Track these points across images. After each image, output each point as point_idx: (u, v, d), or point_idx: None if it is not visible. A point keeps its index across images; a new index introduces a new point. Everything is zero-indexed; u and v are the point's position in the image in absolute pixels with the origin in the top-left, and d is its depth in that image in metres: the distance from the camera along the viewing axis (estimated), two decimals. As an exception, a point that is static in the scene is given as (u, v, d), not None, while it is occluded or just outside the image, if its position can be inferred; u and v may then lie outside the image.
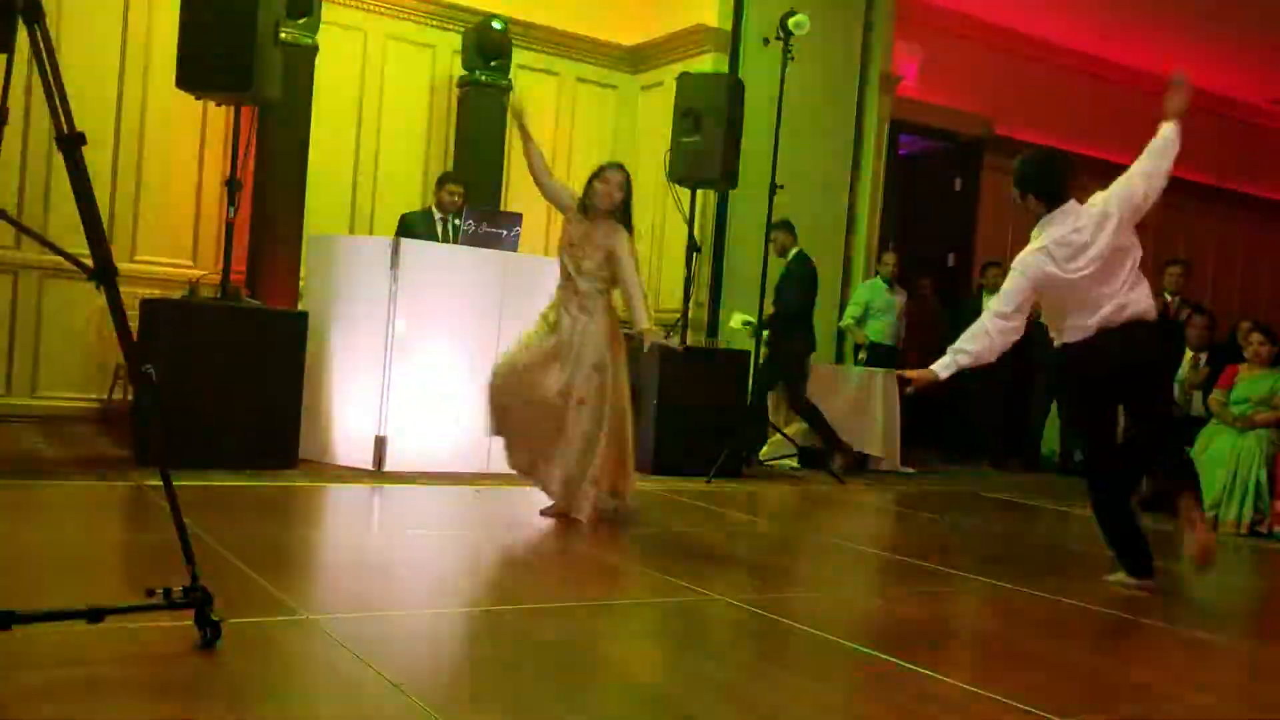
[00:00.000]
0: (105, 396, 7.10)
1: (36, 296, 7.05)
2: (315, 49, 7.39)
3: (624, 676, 2.83)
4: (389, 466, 5.94)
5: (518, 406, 4.86)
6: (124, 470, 5.25)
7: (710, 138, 7.08)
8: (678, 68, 8.25)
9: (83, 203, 2.61)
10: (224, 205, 5.83)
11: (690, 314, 7.57)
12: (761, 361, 7.62)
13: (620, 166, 5.01)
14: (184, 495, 4.73)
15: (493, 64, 8.28)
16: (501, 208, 7.96)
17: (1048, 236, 4.29)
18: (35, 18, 2.47)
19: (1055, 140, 11.34)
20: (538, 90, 8.86)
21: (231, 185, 5.70)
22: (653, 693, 2.69)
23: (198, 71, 5.51)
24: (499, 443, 5.10)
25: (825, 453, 7.65)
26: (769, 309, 7.51)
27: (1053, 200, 4.30)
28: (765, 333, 7.53)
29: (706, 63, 8.44)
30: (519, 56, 8.56)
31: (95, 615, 2.54)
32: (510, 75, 8.40)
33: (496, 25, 8.22)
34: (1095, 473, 4.31)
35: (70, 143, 2.59)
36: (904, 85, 9.94)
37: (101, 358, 7.10)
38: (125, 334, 2.70)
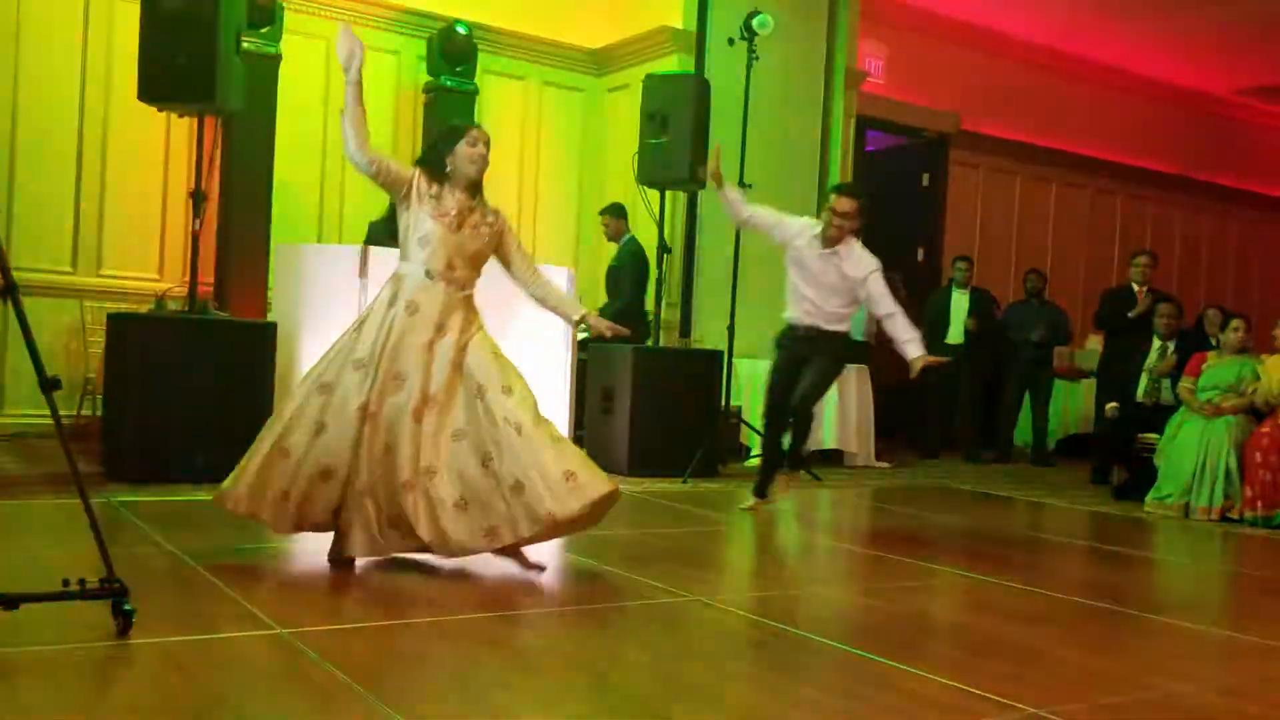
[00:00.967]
0: (74, 413, 7.03)
1: (2, 313, 6.98)
2: (278, 58, 7.35)
3: (603, 680, 2.82)
4: (363, 476, 5.89)
5: None
6: (93, 486, 5.19)
7: (678, 139, 7.08)
8: (643, 69, 8.24)
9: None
10: (190, 217, 5.79)
11: (663, 315, 7.58)
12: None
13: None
14: (155, 510, 4.71)
15: (458, 69, 8.26)
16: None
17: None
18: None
19: (1022, 135, 11.46)
20: (504, 95, 8.85)
21: (196, 197, 5.66)
22: (632, 696, 2.69)
23: (159, 84, 5.47)
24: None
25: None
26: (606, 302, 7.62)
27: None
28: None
29: (672, 64, 8.45)
30: (484, 61, 8.55)
31: (10, 603, 2.62)
32: (476, 80, 8.38)
33: (461, 30, 8.20)
34: None
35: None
36: (870, 82, 9.98)
37: (69, 374, 7.03)
38: (33, 348, 2.78)
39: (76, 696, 2.44)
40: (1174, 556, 5.70)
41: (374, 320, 3.84)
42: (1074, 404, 10.44)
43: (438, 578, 3.85)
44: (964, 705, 2.65)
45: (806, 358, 5.41)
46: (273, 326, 5.90)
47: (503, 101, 8.86)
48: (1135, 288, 8.76)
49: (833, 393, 8.12)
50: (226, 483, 3.74)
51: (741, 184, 7.33)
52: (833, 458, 8.12)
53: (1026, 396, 9.61)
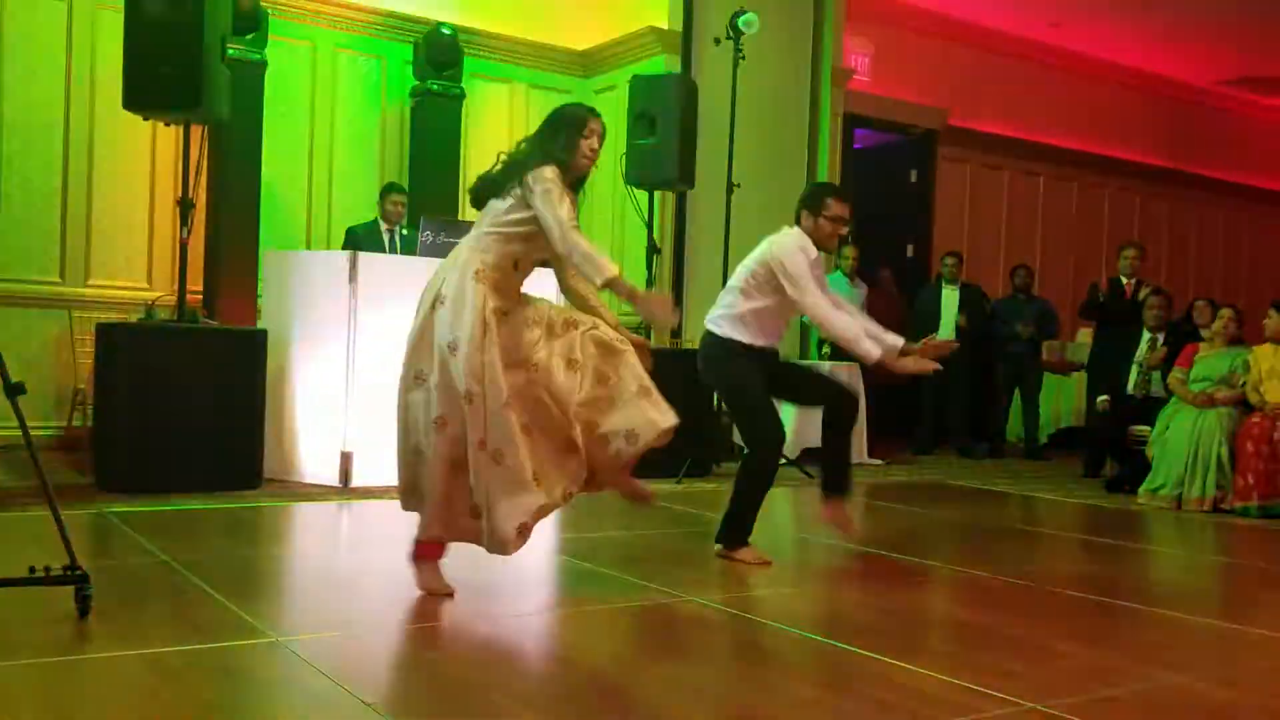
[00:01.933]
0: (65, 423, 7.01)
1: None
2: (264, 64, 7.33)
3: (598, 682, 2.81)
4: (356, 482, 5.89)
5: None
6: (85, 497, 5.18)
7: (665, 139, 7.08)
8: (630, 70, 8.25)
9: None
10: (177, 226, 5.77)
11: (653, 315, 7.57)
12: None
13: None
14: (147, 520, 4.69)
15: (444, 73, 8.25)
16: (459, 217, 7.92)
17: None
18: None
19: (1009, 130, 11.48)
20: (490, 98, 8.84)
21: (184, 205, 5.64)
22: (626, 697, 2.68)
23: (145, 92, 5.44)
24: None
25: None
26: None
27: None
28: None
29: (658, 64, 8.45)
30: (470, 64, 8.53)
31: None
32: (462, 83, 8.37)
33: (446, 33, 8.19)
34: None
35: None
36: (857, 79, 9.99)
37: (60, 384, 7.01)
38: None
39: (70, 705, 2.42)
40: (1168, 548, 5.71)
41: None
42: (1065, 397, 10.46)
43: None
44: (961, 700, 2.65)
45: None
46: (263, 334, 5.88)
47: (489, 104, 8.85)
48: (1124, 280, 8.79)
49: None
50: None
51: (730, 184, 7.35)
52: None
53: (1017, 391, 9.63)
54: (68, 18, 7.27)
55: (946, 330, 9.40)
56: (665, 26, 8.51)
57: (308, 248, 7.99)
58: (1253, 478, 6.38)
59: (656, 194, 7.45)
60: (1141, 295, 8.38)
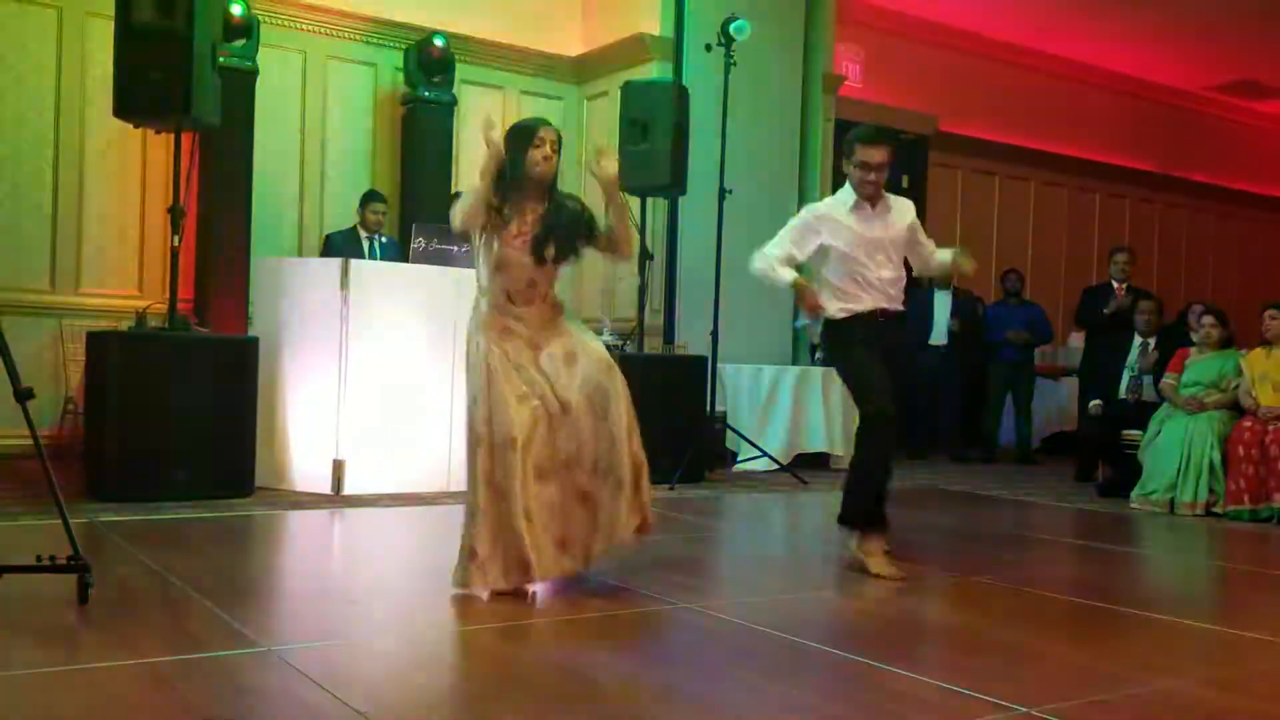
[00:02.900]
0: (55, 431, 6.97)
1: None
2: (255, 72, 7.33)
3: (591, 690, 2.80)
4: (348, 490, 5.88)
5: None
6: (75, 505, 5.15)
7: (657, 145, 7.09)
8: (621, 77, 8.25)
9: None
10: (168, 233, 5.75)
11: (646, 321, 7.57)
12: None
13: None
14: (138, 529, 4.67)
15: (436, 79, 8.25)
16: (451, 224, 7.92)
17: None
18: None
19: (1000, 135, 11.51)
20: (482, 104, 8.83)
21: (175, 213, 5.63)
22: (623, 704, 2.67)
23: (135, 100, 5.44)
24: (459, 461, 4.33)
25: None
26: None
27: None
28: None
29: (650, 71, 8.46)
30: (462, 71, 8.53)
31: None
32: (454, 90, 8.37)
33: (438, 41, 8.18)
34: None
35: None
36: (848, 85, 10.01)
37: (50, 392, 6.97)
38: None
39: (60, 715, 2.41)
40: (1161, 552, 5.71)
41: None
42: (1057, 402, 10.47)
43: (424, 593, 3.83)
44: (957, 706, 2.65)
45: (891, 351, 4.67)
46: (254, 341, 5.87)
47: (481, 111, 8.82)
48: (1115, 285, 8.80)
49: (818, 395, 8.14)
50: None
51: (721, 190, 7.35)
52: (818, 461, 8.12)
53: (1009, 396, 9.65)
54: (58, 25, 7.25)
55: (939, 335, 9.42)
56: (657, 33, 8.52)
57: (300, 254, 7.97)
58: (1244, 482, 6.40)
59: (649, 200, 7.44)
60: (1131, 301, 8.35)
